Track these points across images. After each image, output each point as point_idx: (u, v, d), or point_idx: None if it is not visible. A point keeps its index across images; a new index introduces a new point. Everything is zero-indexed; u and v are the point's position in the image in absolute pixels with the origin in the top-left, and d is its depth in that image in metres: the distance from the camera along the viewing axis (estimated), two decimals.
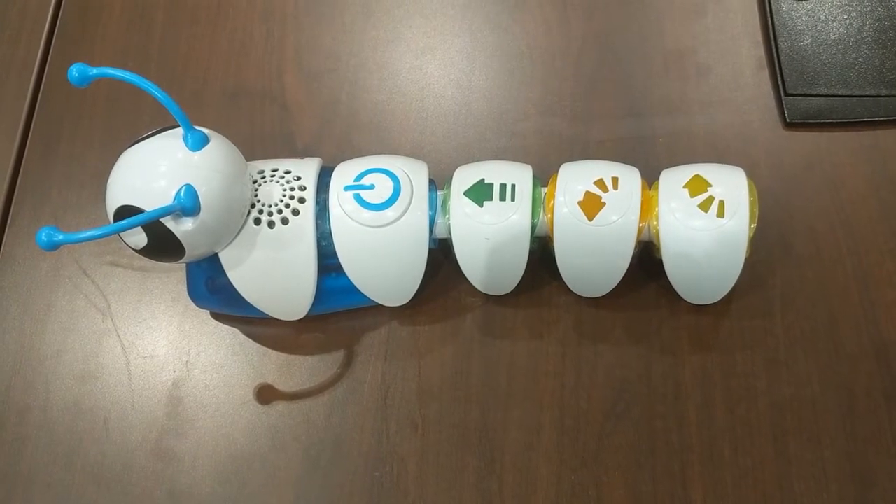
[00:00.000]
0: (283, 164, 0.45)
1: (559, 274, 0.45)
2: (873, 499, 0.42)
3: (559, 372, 0.47)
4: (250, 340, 0.50)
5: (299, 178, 0.44)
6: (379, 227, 0.43)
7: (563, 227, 0.43)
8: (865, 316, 0.46)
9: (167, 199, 0.39)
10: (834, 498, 0.42)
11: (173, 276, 0.52)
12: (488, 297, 0.48)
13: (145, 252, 0.42)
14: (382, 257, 0.44)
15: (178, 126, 0.41)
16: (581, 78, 0.54)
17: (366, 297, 0.46)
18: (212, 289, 0.47)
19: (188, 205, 0.39)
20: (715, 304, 0.46)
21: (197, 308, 0.49)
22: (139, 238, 0.41)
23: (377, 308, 0.48)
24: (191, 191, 0.40)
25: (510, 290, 0.47)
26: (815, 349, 0.46)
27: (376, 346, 0.48)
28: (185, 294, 0.49)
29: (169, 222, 0.40)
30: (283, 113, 0.55)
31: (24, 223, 0.54)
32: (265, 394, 0.48)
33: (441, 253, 0.47)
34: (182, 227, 0.40)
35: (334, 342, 0.49)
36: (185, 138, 0.41)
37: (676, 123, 0.52)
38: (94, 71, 0.39)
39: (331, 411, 0.47)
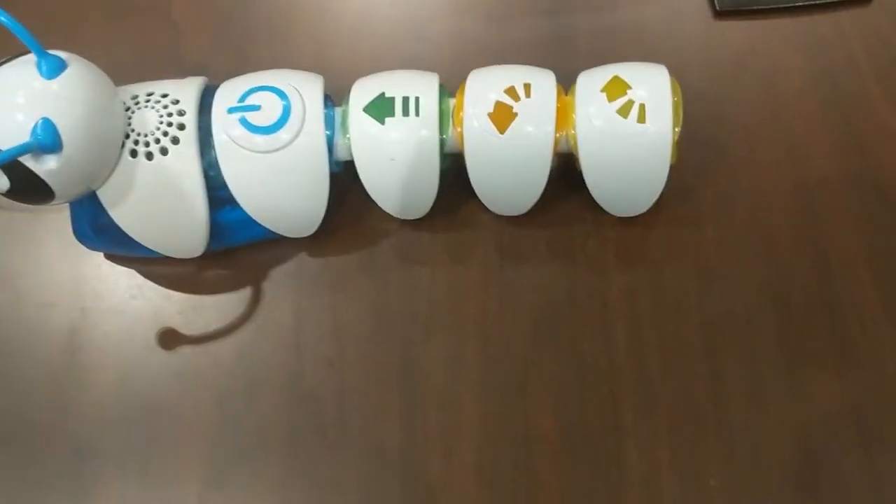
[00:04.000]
0: (159, 87, 0.42)
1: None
2: (812, 415, 0.41)
3: (481, 297, 0.45)
4: (149, 282, 0.47)
5: (177, 102, 0.41)
6: (269, 151, 0.40)
7: (473, 142, 0.40)
8: (805, 223, 0.44)
9: (24, 136, 0.36)
10: (771, 417, 0.41)
11: (63, 215, 0.48)
12: (403, 221, 0.46)
13: (12, 195, 0.38)
14: (278, 186, 0.41)
15: (24, 53, 0.37)
16: None
17: (265, 230, 0.44)
18: (97, 229, 0.43)
19: (46, 140, 0.36)
20: (641, 215, 0.44)
21: (89, 250, 0.46)
22: (2, 181, 0.37)
23: (285, 239, 0.45)
24: (48, 124, 0.36)
25: (425, 213, 0.44)
26: (749, 260, 0.44)
27: (286, 280, 0.46)
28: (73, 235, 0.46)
29: (29, 161, 0.37)
30: (171, 29, 0.51)
31: None
32: (169, 339, 0.46)
33: (348, 176, 0.44)
34: (45, 167, 0.37)
35: (240, 279, 0.46)
36: (38, 65, 0.37)
37: (598, 20, 0.49)
38: None
39: (241, 353, 0.45)
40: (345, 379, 0.44)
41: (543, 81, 0.41)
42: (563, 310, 0.44)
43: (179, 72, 0.50)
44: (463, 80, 0.43)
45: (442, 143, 0.41)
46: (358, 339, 0.45)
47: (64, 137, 0.36)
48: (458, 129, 0.41)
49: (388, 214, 0.45)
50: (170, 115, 0.40)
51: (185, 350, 0.45)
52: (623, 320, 0.44)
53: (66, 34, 0.51)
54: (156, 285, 0.47)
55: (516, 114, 0.40)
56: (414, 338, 0.44)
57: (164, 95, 0.41)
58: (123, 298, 0.47)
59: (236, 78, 0.42)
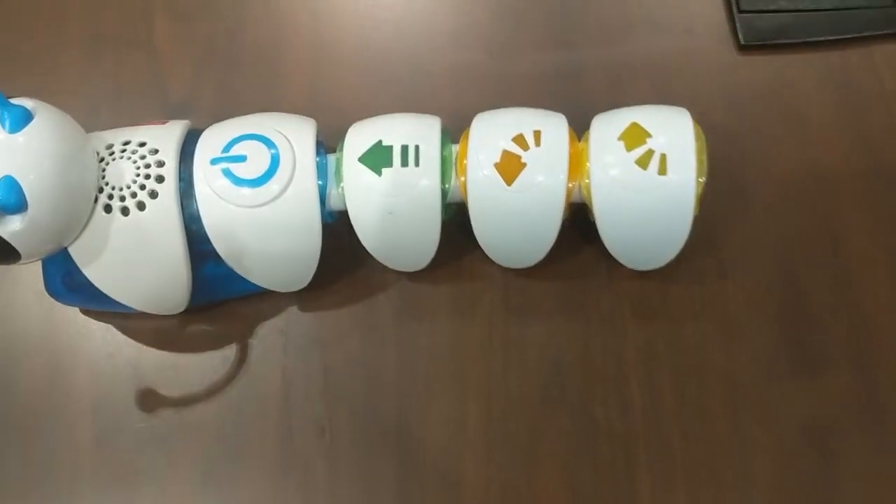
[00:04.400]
0: (136, 135, 0.38)
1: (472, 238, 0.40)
2: (839, 479, 0.38)
3: (485, 354, 0.41)
4: (127, 338, 0.44)
5: (156, 152, 0.38)
6: (256, 206, 0.37)
7: (478, 193, 0.37)
8: (835, 273, 0.41)
9: None
10: (800, 479, 0.38)
11: (33, 268, 0.45)
12: (400, 273, 0.42)
13: None
14: (266, 240, 0.38)
15: None
16: (502, 2, 0.47)
17: (250, 284, 0.40)
18: (70, 286, 0.40)
19: (9, 201, 0.33)
20: (660, 268, 0.41)
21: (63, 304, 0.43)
22: None
23: (274, 292, 0.42)
24: (11, 183, 0.33)
25: (425, 266, 0.41)
26: (776, 314, 0.41)
27: (274, 337, 0.43)
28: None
29: None
30: (152, 61, 0.48)
31: None
32: (149, 400, 0.42)
33: (343, 224, 0.41)
34: (8, 228, 0.34)
35: (224, 335, 0.43)
36: (0, 116, 0.33)
37: (614, 53, 0.46)
38: None
39: (225, 417, 0.42)
40: (337, 445, 0.41)
41: (554, 128, 0.37)
42: (575, 369, 0.41)
43: (162, 106, 0.47)
44: (466, 123, 0.39)
45: (444, 193, 0.38)
46: (351, 401, 0.41)
47: (29, 196, 0.33)
48: (462, 179, 0.38)
49: (383, 266, 0.41)
50: (147, 166, 0.37)
51: (166, 413, 0.42)
52: (639, 380, 0.41)
53: (41, 68, 0.48)
54: (134, 342, 0.43)
55: (525, 164, 0.36)
56: (412, 399, 0.41)
57: (142, 144, 0.38)
58: (100, 356, 0.43)
59: (221, 123, 0.39)
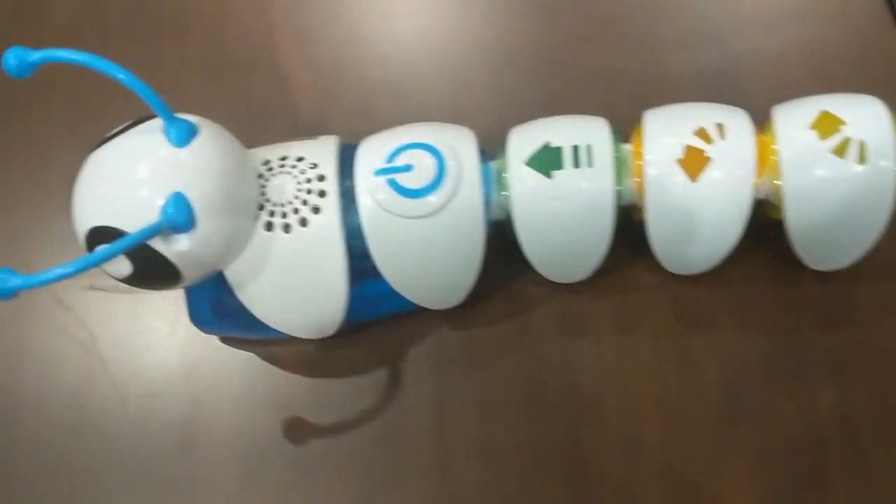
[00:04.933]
0: (292, 150, 0.37)
1: (646, 249, 0.37)
2: None
3: (657, 370, 0.39)
4: (271, 366, 0.42)
5: (315, 166, 0.36)
6: (422, 217, 0.35)
7: (658, 192, 0.35)
8: None
9: (152, 214, 0.31)
10: None
11: (169, 295, 0.43)
12: (558, 285, 0.40)
13: (131, 281, 0.34)
14: (429, 253, 0.36)
15: (154, 116, 0.33)
16: None
17: (405, 301, 0.39)
18: (220, 313, 0.39)
19: (179, 219, 0.31)
20: (843, 268, 0.38)
21: (202, 333, 0.41)
22: (122, 266, 0.33)
23: (423, 312, 0.40)
24: (180, 200, 0.31)
25: (589, 275, 0.39)
26: None
27: (425, 358, 0.41)
28: (183, 316, 0.41)
29: (157, 244, 0.32)
30: (279, 82, 0.47)
31: None
32: (296, 430, 0.41)
33: (494, 237, 0.39)
34: (175, 248, 0.32)
35: (372, 359, 0.41)
36: (165, 131, 0.32)
37: (762, 44, 0.44)
38: (38, 55, 0.30)
39: (377, 443, 0.40)
40: (499, 471, 0.39)
41: (737, 120, 0.35)
42: (756, 382, 0.38)
43: (292, 129, 0.46)
44: (620, 123, 0.37)
45: (619, 196, 0.36)
46: (512, 425, 0.39)
47: (198, 214, 0.32)
48: (638, 180, 0.35)
49: (540, 277, 0.39)
50: (308, 181, 0.36)
51: (314, 443, 0.40)
52: (830, 389, 0.38)
53: (165, 90, 0.47)
54: (279, 370, 0.42)
55: (710, 158, 0.34)
56: (579, 421, 0.39)
57: (300, 159, 0.36)
58: (242, 386, 0.42)
59: (378, 135, 0.38)
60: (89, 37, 0.48)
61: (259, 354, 0.42)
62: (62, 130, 0.47)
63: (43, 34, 0.49)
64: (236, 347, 0.42)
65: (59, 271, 0.29)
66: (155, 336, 0.43)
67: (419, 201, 0.35)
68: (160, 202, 0.31)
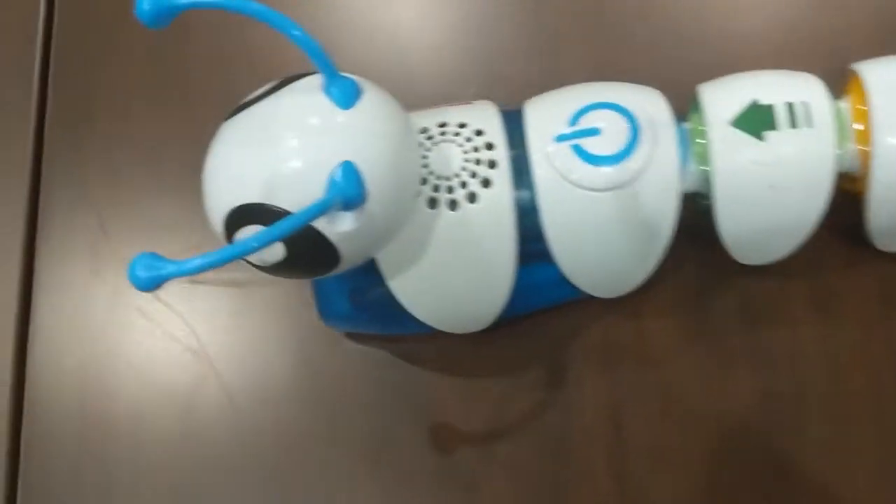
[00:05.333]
0: (449, 115, 0.32)
1: (848, 221, 0.33)
2: None
3: (866, 362, 0.34)
4: (409, 365, 0.37)
5: (481, 133, 0.31)
6: (612, 189, 0.30)
7: (889, 163, 0.30)
8: None
9: (313, 188, 0.26)
10: None
11: (279, 287, 0.39)
12: (742, 267, 0.35)
13: (278, 269, 0.29)
14: (613, 232, 0.31)
15: (300, 76, 0.28)
16: None
17: (575, 290, 0.34)
18: (359, 304, 0.34)
19: (352, 192, 0.26)
20: None
21: (321, 328, 0.36)
22: (273, 252, 0.28)
23: (586, 299, 0.35)
24: (352, 170, 0.26)
25: (785, 256, 0.34)
26: None
27: (590, 353, 0.36)
28: (300, 310, 0.36)
29: (320, 223, 0.27)
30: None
31: (55, 239, 0.40)
32: (441, 438, 0.36)
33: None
34: (339, 228, 0.27)
35: (528, 355, 0.36)
36: (326, 89, 0.27)
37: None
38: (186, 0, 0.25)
39: (539, 452, 0.35)
40: (683, 483, 0.34)
41: None
42: None
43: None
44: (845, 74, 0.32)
45: (838, 161, 0.31)
46: (700, 427, 0.34)
47: (369, 185, 0.27)
48: (863, 148, 0.31)
49: (725, 258, 0.34)
50: (476, 149, 0.31)
51: (466, 451, 0.36)
52: None
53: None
54: (419, 369, 0.37)
55: None
56: (778, 423, 0.34)
57: (462, 125, 0.31)
58: (374, 388, 0.37)
59: (543, 97, 0.33)
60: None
61: (393, 352, 0.37)
62: (139, 97, 0.42)
63: None
64: (364, 344, 0.37)
65: (217, 256, 0.24)
66: (266, 332, 0.38)
67: (611, 169, 0.30)
68: (326, 173, 0.26)
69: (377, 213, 0.28)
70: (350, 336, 0.37)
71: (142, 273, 0.24)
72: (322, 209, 0.26)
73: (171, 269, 0.24)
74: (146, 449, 0.37)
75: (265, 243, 0.25)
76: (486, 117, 0.32)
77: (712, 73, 0.33)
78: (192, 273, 0.24)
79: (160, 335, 0.39)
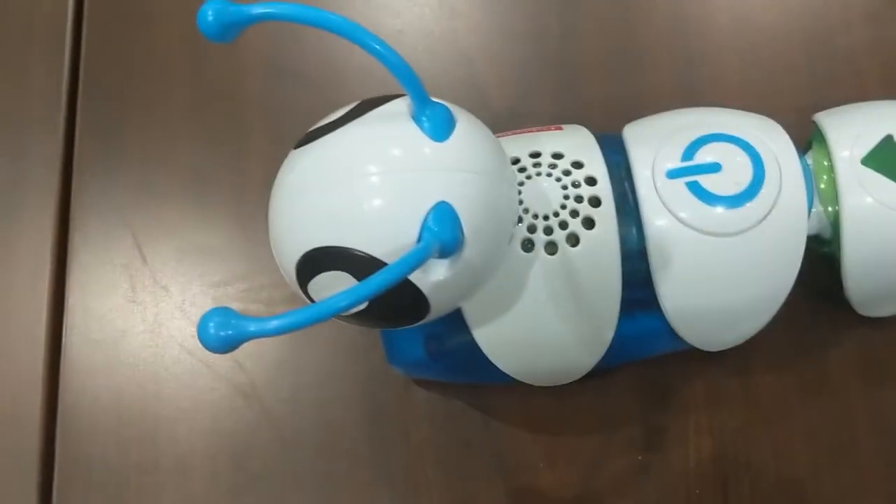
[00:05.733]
0: (542, 142, 0.29)
1: None
2: None
3: None
4: (489, 417, 0.34)
5: (580, 166, 0.28)
6: (734, 234, 0.27)
7: None
8: None
9: (401, 231, 0.23)
10: None
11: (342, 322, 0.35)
12: (863, 318, 0.32)
13: (355, 319, 0.26)
14: (730, 282, 0.28)
15: (383, 99, 0.25)
16: None
17: (679, 341, 0.30)
18: (436, 351, 0.31)
19: (449, 238, 0.23)
20: None
21: (387, 371, 0.33)
22: None
23: (682, 351, 0.32)
24: (448, 213, 0.23)
25: None
26: None
27: (693, 412, 0.33)
28: (366, 350, 0.33)
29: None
30: (463, 60, 0.39)
31: (87, 266, 0.37)
32: (530, 502, 0.33)
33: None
34: (431, 278, 0.24)
35: (623, 411, 0.33)
36: (417, 118, 0.24)
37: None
38: (257, 10, 0.22)
39: None
40: None
41: None
42: None
43: (488, 115, 0.37)
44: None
45: None
46: (817, 490, 0.31)
47: (466, 229, 0.24)
48: None
49: (843, 306, 0.31)
50: (576, 185, 0.28)
51: None
52: None
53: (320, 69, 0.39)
54: (501, 424, 0.34)
55: None
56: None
57: (558, 156, 0.28)
58: (451, 442, 0.34)
59: (643, 122, 0.30)
60: None
61: (467, 401, 0.34)
62: (181, 116, 0.39)
63: None
64: (433, 392, 0.34)
65: (301, 316, 0.21)
66: (324, 374, 0.35)
67: (733, 213, 0.27)
68: (416, 214, 0.23)
69: (473, 259, 0.25)
70: (419, 382, 0.34)
71: (215, 332, 0.21)
72: (419, 260, 0.23)
73: (251, 329, 0.21)
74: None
75: (355, 302, 0.22)
76: (584, 146, 0.29)
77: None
78: (273, 335, 0.21)
79: (206, 373, 0.36)
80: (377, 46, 0.22)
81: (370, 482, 0.34)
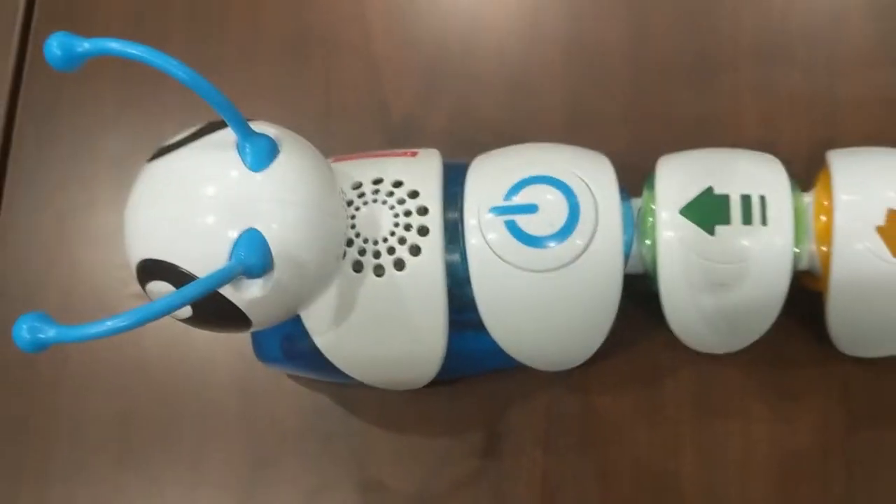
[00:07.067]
0: (387, 170, 0.32)
1: (815, 318, 0.31)
2: None
3: (822, 474, 0.33)
4: (348, 413, 0.37)
5: (416, 195, 0.31)
6: (547, 271, 0.30)
7: (850, 269, 0.29)
8: None
9: (217, 252, 0.26)
10: None
11: None
12: (701, 354, 0.34)
13: (192, 323, 0.29)
14: (550, 312, 0.31)
15: (220, 125, 0.28)
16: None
17: (513, 359, 0.33)
18: (291, 354, 0.34)
19: (254, 262, 0.26)
20: None
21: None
22: (180, 310, 0.28)
23: (531, 369, 0.35)
24: (256, 239, 0.26)
25: (739, 349, 0.33)
26: None
27: (532, 427, 0.35)
28: (245, 340, 0.37)
29: (226, 289, 0.27)
30: (367, 69, 0.41)
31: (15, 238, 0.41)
32: (375, 497, 0.36)
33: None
34: (246, 296, 0.27)
35: (467, 418, 0.36)
36: (240, 147, 0.27)
37: None
38: (86, 45, 0.25)
39: None
40: None
41: None
42: None
43: (383, 125, 0.40)
44: (809, 163, 0.31)
45: (794, 261, 0.29)
46: None
47: (276, 255, 0.27)
48: (824, 249, 0.29)
49: (674, 341, 0.33)
50: (408, 213, 0.30)
51: None
52: None
53: (235, 75, 0.42)
54: (356, 419, 0.37)
55: None
56: None
57: (398, 184, 0.31)
58: (311, 434, 0.37)
59: (490, 157, 0.32)
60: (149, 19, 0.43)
61: (332, 396, 0.37)
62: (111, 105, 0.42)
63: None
64: (304, 386, 0.38)
65: (109, 325, 0.24)
66: (218, 361, 0.39)
67: (544, 252, 0.29)
68: (232, 238, 0.26)
69: (286, 281, 0.28)
70: (290, 375, 0.38)
71: (24, 333, 0.24)
72: (223, 278, 0.26)
73: (51, 334, 0.24)
74: None
75: (165, 311, 0.25)
76: (425, 175, 0.31)
77: None
78: (77, 341, 0.24)
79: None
80: (195, 82, 0.25)
81: (238, 465, 0.37)
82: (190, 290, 0.25)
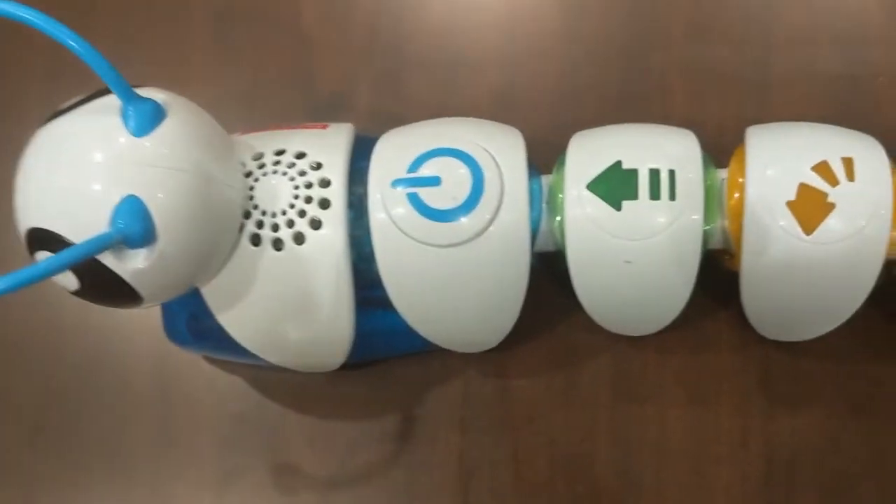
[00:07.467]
0: (292, 142, 0.31)
1: (737, 301, 0.31)
2: None
3: (737, 456, 0.33)
4: (261, 396, 0.36)
5: (319, 167, 0.30)
6: (450, 245, 0.29)
7: (761, 245, 0.28)
8: None
9: (97, 221, 0.26)
10: None
11: None
12: (619, 336, 0.34)
13: (82, 296, 0.28)
14: (458, 289, 0.30)
15: (108, 90, 0.27)
16: None
17: (426, 340, 0.33)
18: (196, 332, 0.33)
19: (133, 231, 0.26)
20: None
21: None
22: (67, 280, 0.27)
23: (448, 350, 0.34)
24: (135, 206, 0.26)
25: (655, 331, 0.33)
26: None
27: (448, 408, 0.35)
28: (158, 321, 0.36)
29: (108, 259, 0.26)
30: (296, 44, 0.41)
31: None
32: (288, 476, 0.35)
33: (539, 261, 0.32)
34: (129, 266, 0.27)
35: (383, 401, 0.35)
36: (124, 112, 0.26)
37: None
38: None
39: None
40: None
41: (869, 153, 0.28)
42: (866, 485, 0.31)
43: (307, 103, 0.39)
44: (712, 137, 0.30)
45: (705, 237, 0.29)
46: (550, 489, 0.33)
47: (159, 224, 0.26)
48: (734, 224, 0.29)
49: (592, 324, 0.33)
50: (309, 185, 0.30)
51: (309, 496, 0.35)
52: None
53: (163, 46, 0.41)
54: (271, 402, 0.36)
55: (833, 204, 0.27)
56: None
57: (300, 156, 0.30)
58: (226, 418, 0.36)
59: (400, 130, 0.31)
60: None
61: (248, 380, 0.37)
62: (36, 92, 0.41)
63: None
64: (220, 368, 0.37)
65: None
66: (126, 343, 0.38)
67: (447, 226, 0.29)
68: (110, 207, 0.26)
69: (172, 252, 0.27)
70: (208, 359, 0.37)
71: None
72: (99, 246, 0.25)
73: None
74: None
75: (39, 277, 0.24)
76: (332, 148, 0.31)
77: None
78: None
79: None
80: (71, 43, 0.24)
81: (151, 445, 0.36)
82: (64, 256, 0.24)
